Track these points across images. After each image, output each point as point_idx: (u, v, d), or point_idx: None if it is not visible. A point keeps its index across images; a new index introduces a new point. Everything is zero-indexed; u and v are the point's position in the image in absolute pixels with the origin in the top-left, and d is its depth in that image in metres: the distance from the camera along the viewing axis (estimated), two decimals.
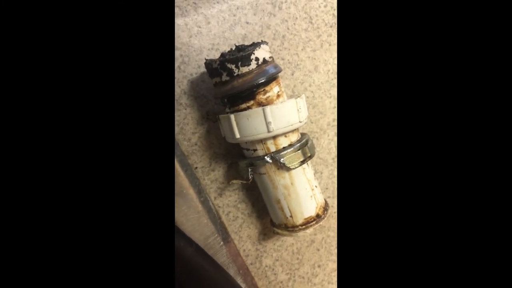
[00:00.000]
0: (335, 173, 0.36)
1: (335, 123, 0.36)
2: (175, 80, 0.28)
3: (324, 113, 0.35)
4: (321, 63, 0.34)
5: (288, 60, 0.33)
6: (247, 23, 0.31)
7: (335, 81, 0.35)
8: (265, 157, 0.25)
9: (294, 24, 0.33)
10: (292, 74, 0.33)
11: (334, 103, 0.36)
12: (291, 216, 0.28)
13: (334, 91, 0.35)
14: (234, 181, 0.28)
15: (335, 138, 0.36)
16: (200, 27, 0.29)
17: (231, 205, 0.31)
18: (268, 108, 0.23)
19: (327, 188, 0.36)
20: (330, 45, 0.35)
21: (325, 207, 0.29)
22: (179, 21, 0.28)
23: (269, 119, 0.23)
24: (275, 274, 0.34)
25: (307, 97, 0.34)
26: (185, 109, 0.29)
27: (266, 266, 0.34)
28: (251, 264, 0.33)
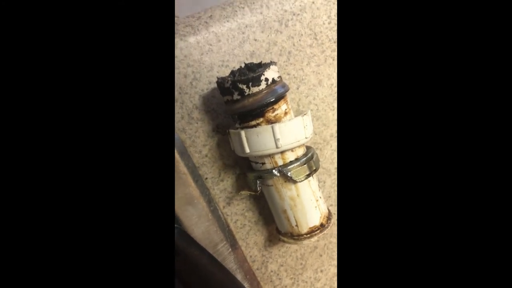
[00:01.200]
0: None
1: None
2: (188, 95, 0.30)
3: (327, 125, 0.37)
4: (324, 77, 0.36)
5: (294, 75, 0.34)
6: (255, 40, 0.32)
7: None
8: (273, 170, 0.27)
9: (300, 40, 0.34)
10: (298, 88, 0.35)
11: (337, 115, 0.37)
12: (296, 226, 0.29)
13: (337, 104, 0.37)
14: (243, 192, 0.29)
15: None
16: (211, 45, 0.30)
17: (239, 214, 0.33)
18: (277, 126, 0.25)
19: (329, 197, 0.38)
20: (333, 60, 0.36)
21: (329, 217, 0.31)
22: (191, 40, 0.30)
23: (278, 136, 0.25)
24: (280, 278, 0.36)
25: (311, 109, 0.36)
26: (197, 123, 0.30)
27: (272, 271, 0.35)
28: (257, 269, 0.35)
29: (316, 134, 0.36)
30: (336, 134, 0.37)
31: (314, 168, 0.28)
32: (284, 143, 0.25)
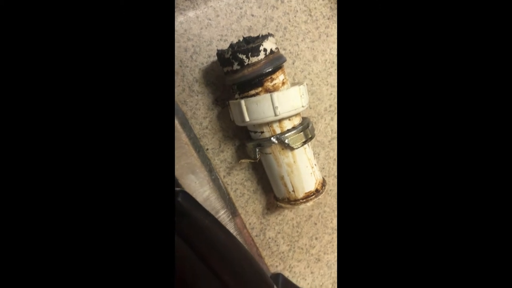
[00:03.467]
0: (331, 154, 0.40)
1: (332, 108, 0.39)
2: (188, 69, 0.31)
3: (321, 100, 0.38)
4: (319, 53, 0.37)
5: (290, 50, 0.36)
6: (252, 15, 0.33)
7: (332, 69, 0.38)
8: (272, 138, 0.28)
9: (295, 16, 0.35)
10: (293, 63, 0.36)
11: (331, 90, 0.39)
12: (293, 191, 0.31)
13: (331, 79, 0.38)
14: (243, 161, 0.31)
15: (332, 123, 0.39)
16: (210, 19, 0.31)
17: (239, 183, 0.35)
18: (275, 94, 0.26)
19: (323, 168, 0.40)
20: (327, 36, 0.38)
21: (323, 183, 0.32)
22: (190, 14, 0.31)
23: (276, 104, 0.26)
24: (277, 245, 0.38)
25: (306, 84, 0.37)
26: (197, 95, 0.32)
27: (269, 238, 0.37)
28: (256, 236, 0.37)
29: (311, 108, 0.38)
30: (330, 109, 0.39)
31: (310, 136, 0.30)
32: (282, 111, 0.27)
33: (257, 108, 0.27)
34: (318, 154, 0.39)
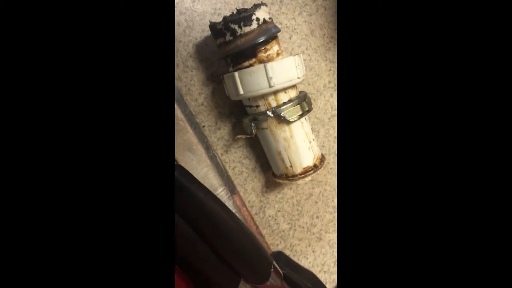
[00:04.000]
0: (331, 131, 0.39)
1: (331, 85, 0.38)
2: (182, 43, 0.30)
3: (320, 75, 0.37)
4: (317, 27, 0.36)
5: (286, 24, 0.35)
6: None
7: (331, 45, 0.37)
8: (267, 111, 0.28)
9: None
10: (290, 38, 0.35)
11: (330, 66, 0.38)
12: (291, 166, 0.31)
13: (329, 55, 0.38)
14: (239, 136, 0.30)
15: (331, 99, 0.39)
16: None
17: (236, 161, 0.34)
18: (269, 64, 0.26)
19: (323, 146, 0.39)
20: (325, 9, 0.36)
21: (322, 159, 0.32)
22: None
23: (270, 74, 0.26)
24: (277, 223, 0.38)
25: (304, 59, 0.36)
26: (191, 71, 0.31)
27: (269, 216, 0.37)
28: (256, 214, 0.36)
29: (309, 85, 0.37)
30: (329, 85, 0.38)
31: (307, 109, 0.29)
32: (277, 82, 0.26)
33: (251, 80, 0.26)
34: (318, 132, 0.38)
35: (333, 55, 0.38)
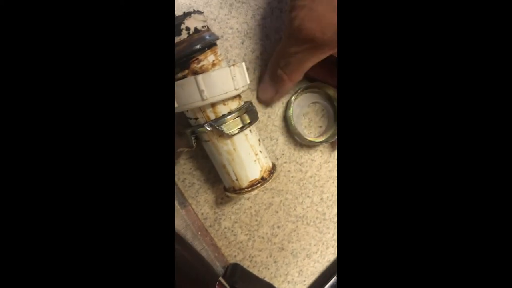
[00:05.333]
0: (292, 139, 0.38)
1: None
2: None
3: None
4: (272, 31, 0.35)
5: (237, 29, 0.33)
6: None
7: None
8: (205, 125, 0.26)
9: None
10: (242, 43, 0.34)
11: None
12: (237, 180, 0.29)
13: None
14: (181, 149, 0.29)
15: None
16: None
17: (186, 173, 0.33)
18: (200, 77, 0.24)
19: (283, 154, 0.38)
20: (281, 12, 0.35)
21: (271, 170, 0.31)
22: None
23: (202, 87, 0.24)
24: (234, 235, 0.37)
25: (260, 65, 0.35)
26: None
27: (225, 227, 0.36)
28: (210, 226, 0.35)
29: None
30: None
31: (249, 121, 0.28)
32: (210, 95, 0.25)
33: (183, 93, 0.25)
34: (277, 140, 0.37)
35: None
